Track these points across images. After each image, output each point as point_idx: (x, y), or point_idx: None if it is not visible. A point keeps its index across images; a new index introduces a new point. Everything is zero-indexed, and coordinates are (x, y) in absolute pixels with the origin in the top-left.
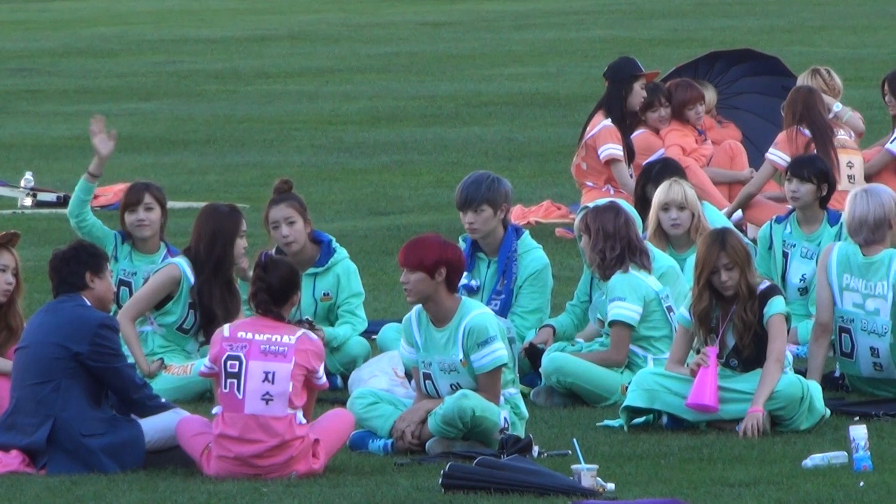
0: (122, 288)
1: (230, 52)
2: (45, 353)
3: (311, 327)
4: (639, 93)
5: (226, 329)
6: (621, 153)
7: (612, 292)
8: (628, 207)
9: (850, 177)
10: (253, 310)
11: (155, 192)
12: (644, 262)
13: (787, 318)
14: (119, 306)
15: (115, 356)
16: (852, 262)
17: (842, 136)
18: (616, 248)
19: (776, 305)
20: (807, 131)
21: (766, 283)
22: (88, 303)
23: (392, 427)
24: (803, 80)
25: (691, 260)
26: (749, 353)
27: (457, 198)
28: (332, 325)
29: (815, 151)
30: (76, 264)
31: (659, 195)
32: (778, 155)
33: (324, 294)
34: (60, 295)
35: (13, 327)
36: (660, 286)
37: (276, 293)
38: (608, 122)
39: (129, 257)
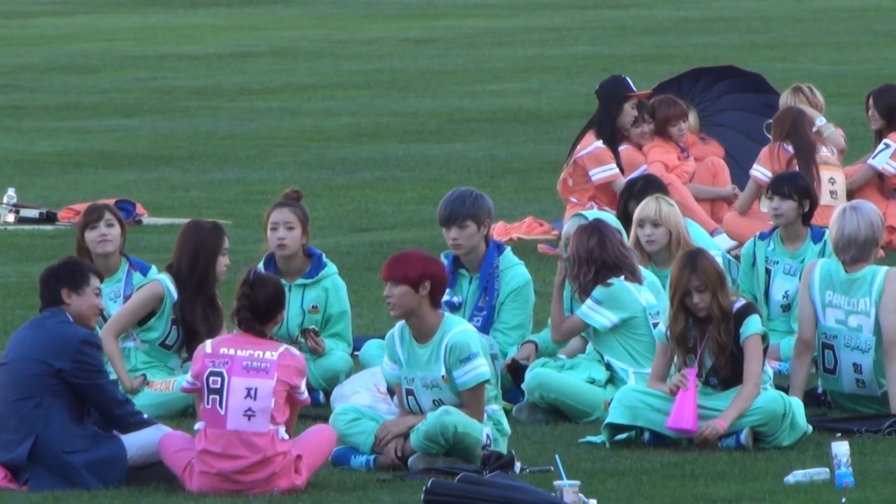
0: None
1: (212, 68)
2: (28, 369)
3: (316, 336)
4: (629, 113)
5: (208, 345)
6: (617, 171)
7: (591, 295)
8: (614, 221)
9: (832, 192)
10: (235, 325)
11: (114, 211)
12: (629, 275)
13: (764, 337)
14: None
15: (97, 373)
16: (835, 279)
17: (824, 153)
18: (590, 272)
19: (752, 325)
20: (790, 147)
21: (741, 302)
22: (71, 319)
23: (378, 430)
24: (786, 97)
25: None
26: (726, 372)
27: (440, 214)
28: None
29: (798, 168)
30: (54, 281)
31: (636, 212)
32: (761, 171)
33: (312, 306)
34: (44, 311)
35: None
36: (652, 301)
37: (261, 311)
38: (600, 143)
39: None
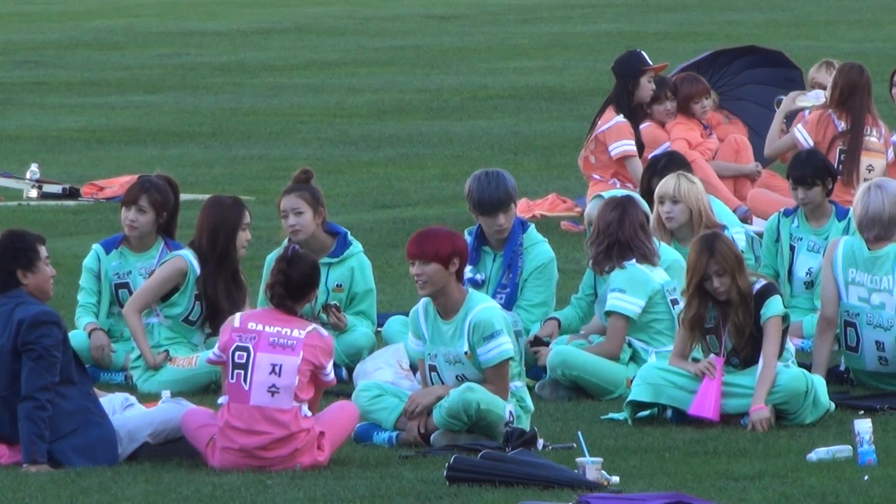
0: (120, 290)
1: (236, 44)
2: (2, 360)
3: (338, 311)
4: (646, 87)
5: (237, 319)
6: (635, 148)
7: (611, 284)
8: (641, 201)
9: (866, 181)
10: (267, 300)
11: (152, 195)
12: (640, 258)
13: (785, 318)
14: (120, 306)
15: (37, 357)
16: (858, 257)
17: (871, 136)
18: (602, 244)
19: (773, 307)
20: (841, 125)
21: (761, 283)
22: (30, 296)
23: (406, 403)
24: (814, 71)
25: None
26: (746, 353)
27: (481, 202)
28: None
29: (840, 147)
30: (5, 263)
31: (657, 188)
32: (804, 136)
33: (336, 285)
34: (0, 295)
35: None
36: (666, 278)
37: (294, 288)
38: (621, 118)
39: (118, 258)
